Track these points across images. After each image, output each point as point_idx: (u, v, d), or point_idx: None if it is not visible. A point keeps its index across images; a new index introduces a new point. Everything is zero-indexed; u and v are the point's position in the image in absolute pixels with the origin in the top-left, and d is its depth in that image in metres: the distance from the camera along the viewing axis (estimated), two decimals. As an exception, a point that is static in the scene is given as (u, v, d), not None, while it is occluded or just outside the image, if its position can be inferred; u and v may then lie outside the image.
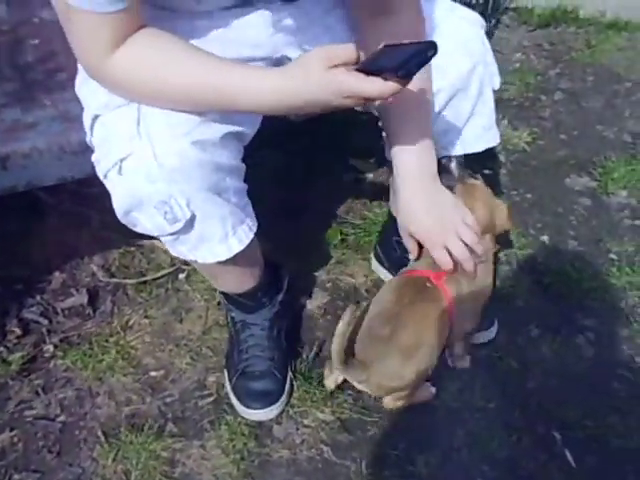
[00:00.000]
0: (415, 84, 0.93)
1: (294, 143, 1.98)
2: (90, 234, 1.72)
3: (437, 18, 1.22)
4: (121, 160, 1.00)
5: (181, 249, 1.15)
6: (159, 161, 0.99)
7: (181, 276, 1.67)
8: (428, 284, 1.24)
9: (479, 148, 1.34)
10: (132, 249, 1.72)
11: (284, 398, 1.38)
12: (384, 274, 1.66)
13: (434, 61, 0.90)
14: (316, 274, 1.70)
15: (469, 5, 2.75)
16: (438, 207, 1.19)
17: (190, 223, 1.08)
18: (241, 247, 1.18)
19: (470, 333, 1.39)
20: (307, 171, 1.96)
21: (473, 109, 1.28)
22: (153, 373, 1.46)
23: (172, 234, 1.09)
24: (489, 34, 2.79)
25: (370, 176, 2.01)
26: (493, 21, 2.85)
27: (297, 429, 1.34)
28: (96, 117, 1.04)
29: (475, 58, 1.23)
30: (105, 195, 1.05)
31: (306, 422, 1.35)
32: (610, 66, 2.45)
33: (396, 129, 1.18)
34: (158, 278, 1.66)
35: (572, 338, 1.52)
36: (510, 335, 1.52)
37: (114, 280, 1.64)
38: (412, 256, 1.29)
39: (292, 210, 1.84)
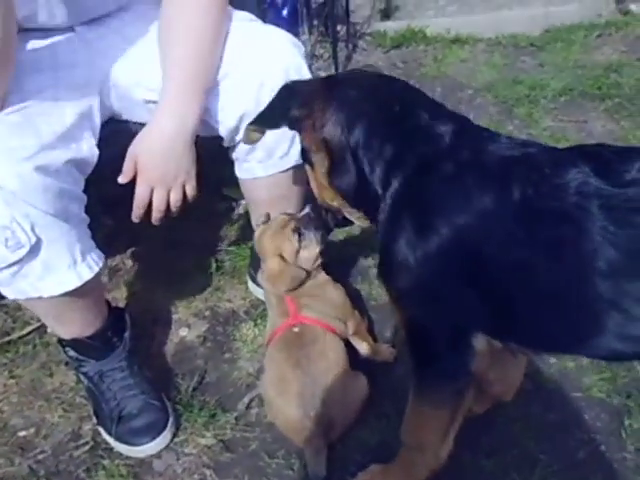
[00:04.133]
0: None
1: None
2: (-54, 301, 1.63)
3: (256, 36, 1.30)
4: None
5: (22, 285, 1.10)
6: (0, 184, 0.97)
7: (49, 329, 1.60)
8: (294, 329, 1.33)
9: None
10: (-6, 310, 1.64)
11: (172, 420, 1.34)
12: (260, 293, 1.67)
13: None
14: (194, 304, 1.69)
15: (327, 33, 2.93)
16: (174, 154, 1.20)
17: (35, 249, 1.05)
18: (91, 275, 1.16)
19: (358, 334, 1.43)
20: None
21: None
22: (22, 433, 1.37)
23: (14, 264, 1.05)
24: (348, 58, 2.97)
25: (242, 202, 2.04)
26: (351, 46, 3.03)
27: (178, 459, 1.30)
28: None
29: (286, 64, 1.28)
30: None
31: (187, 450, 1.31)
32: (454, 77, 2.65)
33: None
34: (24, 336, 1.59)
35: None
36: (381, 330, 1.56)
37: (-25, 345, 1.55)
38: (121, 179, 1.22)
39: (167, 244, 1.83)
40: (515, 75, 2.62)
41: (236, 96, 1.25)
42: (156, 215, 1.24)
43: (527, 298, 0.90)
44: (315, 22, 2.94)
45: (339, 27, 3.00)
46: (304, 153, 1.13)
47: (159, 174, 1.20)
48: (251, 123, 1.09)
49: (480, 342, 0.96)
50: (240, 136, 1.27)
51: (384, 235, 1.00)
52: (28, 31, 1.19)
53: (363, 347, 1.43)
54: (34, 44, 1.20)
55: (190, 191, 1.26)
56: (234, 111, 1.25)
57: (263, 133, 1.12)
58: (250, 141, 1.13)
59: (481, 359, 0.97)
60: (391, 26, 3.26)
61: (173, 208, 1.25)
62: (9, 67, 1.01)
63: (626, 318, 0.85)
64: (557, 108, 2.38)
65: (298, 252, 1.37)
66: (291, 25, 2.72)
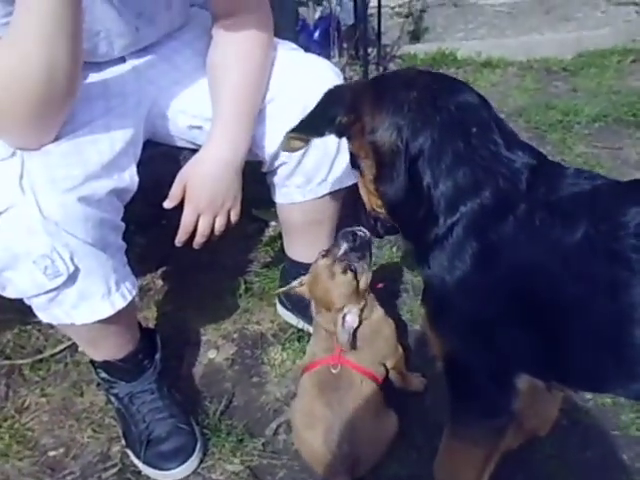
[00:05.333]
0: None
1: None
2: (-19, 318, 1.65)
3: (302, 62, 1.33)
4: None
5: (57, 312, 1.12)
6: (44, 214, 1.00)
7: (81, 348, 1.61)
8: (333, 369, 1.28)
9: (349, 182, 1.39)
10: (28, 327, 1.66)
11: (199, 445, 1.33)
12: (289, 316, 1.67)
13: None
14: (223, 326, 1.69)
15: (357, 56, 2.95)
16: (225, 181, 1.23)
17: (72, 278, 1.06)
18: (124, 304, 1.17)
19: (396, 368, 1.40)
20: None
21: (339, 146, 1.34)
22: (52, 452, 1.38)
23: (50, 291, 1.06)
24: (378, 82, 2.98)
25: (273, 224, 2.04)
26: (382, 68, 3.04)
27: (205, 485, 1.29)
28: None
29: None
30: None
31: (214, 476, 1.30)
32: (485, 100, 2.64)
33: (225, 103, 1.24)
34: (56, 354, 1.60)
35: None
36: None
37: (8, 362, 1.57)
38: (168, 204, 1.25)
39: (197, 264, 1.84)
40: (547, 100, 2.59)
41: (279, 121, 1.26)
42: (199, 240, 1.25)
43: (576, 338, 0.87)
44: (345, 45, 2.97)
45: (369, 49, 3.02)
46: (353, 158, 1.05)
47: (208, 201, 1.22)
48: (292, 130, 1.02)
49: (523, 382, 0.94)
50: (265, 168, 1.28)
51: (439, 266, 0.93)
52: (84, 64, 1.21)
53: (396, 378, 1.40)
54: (87, 76, 1.21)
55: (234, 217, 1.28)
56: (277, 136, 1.26)
57: (307, 142, 1.06)
58: (290, 149, 1.06)
59: (524, 399, 0.94)
60: (421, 48, 3.27)
61: (217, 232, 1.26)
62: (72, 101, 1.03)
63: None
64: (591, 134, 2.35)
65: (358, 287, 1.31)
66: (322, 48, 2.75)
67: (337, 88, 1.02)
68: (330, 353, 1.31)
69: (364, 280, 1.32)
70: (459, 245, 0.89)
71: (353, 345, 1.29)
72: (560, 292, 0.85)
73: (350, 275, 1.29)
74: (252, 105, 1.25)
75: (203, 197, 1.22)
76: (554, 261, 0.85)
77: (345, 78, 2.88)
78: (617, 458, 1.28)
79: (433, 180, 0.90)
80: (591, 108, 2.46)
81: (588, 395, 1.38)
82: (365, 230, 1.31)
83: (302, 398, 1.31)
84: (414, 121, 0.91)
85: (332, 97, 1.00)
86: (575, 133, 2.35)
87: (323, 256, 1.33)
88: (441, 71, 3.00)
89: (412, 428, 1.35)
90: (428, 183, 0.90)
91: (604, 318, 0.84)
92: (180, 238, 1.25)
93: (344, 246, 1.31)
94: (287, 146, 1.06)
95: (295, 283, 1.41)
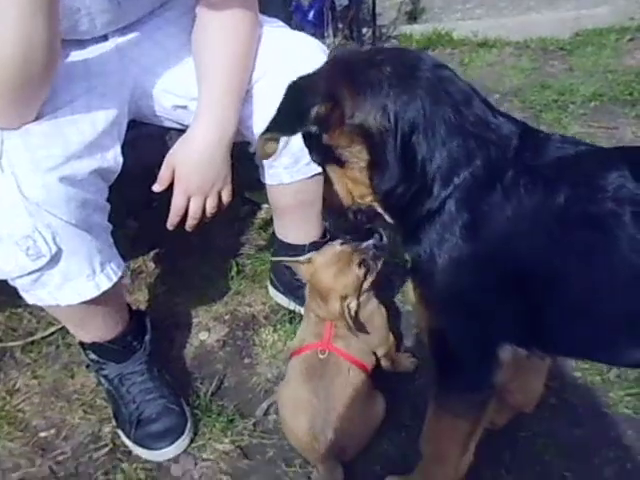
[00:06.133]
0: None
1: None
2: (-28, 301, 1.65)
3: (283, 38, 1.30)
4: None
5: (41, 293, 1.12)
6: (24, 194, 0.98)
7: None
8: (321, 355, 1.27)
9: None
10: (19, 310, 1.66)
11: (190, 425, 1.34)
12: (280, 298, 1.67)
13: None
14: (214, 308, 1.69)
15: (352, 37, 2.93)
16: (214, 162, 1.21)
17: (55, 259, 1.05)
18: (109, 285, 1.17)
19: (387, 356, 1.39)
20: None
21: None
22: (43, 434, 1.38)
23: (33, 272, 1.06)
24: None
25: (265, 206, 2.04)
26: (376, 51, 3.01)
27: (195, 464, 1.29)
28: None
29: None
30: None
31: (205, 456, 1.31)
32: (481, 81, 2.61)
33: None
34: (48, 336, 1.60)
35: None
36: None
37: (-1, 344, 1.58)
38: (157, 187, 1.23)
39: (189, 247, 1.83)
40: (543, 80, 2.57)
41: (265, 102, 1.25)
42: (191, 222, 1.25)
43: (558, 304, 0.87)
44: (340, 25, 2.94)
45: (364, 30, 3.00)
46: (327, 154, 0.97)
47: (198, 183, 1.21)
48: (265, 132, 0.95)
49: (506, 353, 0.93)
50: (253, 149, 1.26)
51: (427, 237, 0.90)
52: (64, 42, 1.20)
53: (386, 364, 1.40)
54: (69, 54, 1.20)
55: (226, 197, 1.26)
56: (263, 117, 1.25)
57: (278, 142, 1.00)
58: (265, 154, 0.99)
59: (505, 370, 0.94)
60: (417, 29, 3.24)
61: (208, 214, 1.25)
62: (50, 80, 1.02)
63: None
64: (586, 114, 2.33)
65: (362, 285, 1.30)
66: (316, 28, 2.73)
67: (301, 79, 0.95)
68: (319, 339, 1.31)
69: (370, 280, 1.31)
70: (450, 218, 0.88)
71: (361, 329, 1.29)
72: (542, 258, 0.85)
73: (363, 270, 1.28)
74: (239, 83, 1.23)
75: (192, 179, 1.21)
76: (537, 227, 0.84)
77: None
78: (606, 436, 1.29)
79: (429, 153, 0.87)
80: (587, 87, 2.44)
81: (577, 373, 1.39)
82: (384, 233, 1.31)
83: (288, 383, 1.31)
84: (399, 96, 0.87)
85: (300, 89, 0.94)
86: (570, 113, 2.33)
87: (342, 243, 1.32)
88: (437, 52, 2.98)
89: (401, 407, 1.35)
90: (423, 157, 0.87)
91: (583, 285, 0.84)
92: (171, 221, 1.24)
93: (370, 241, 1.31)
94: (262, 150, 0.99)
95: (302, 259, 1.37)
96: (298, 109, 0.92)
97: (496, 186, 0.85)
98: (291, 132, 0.98)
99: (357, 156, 0.92)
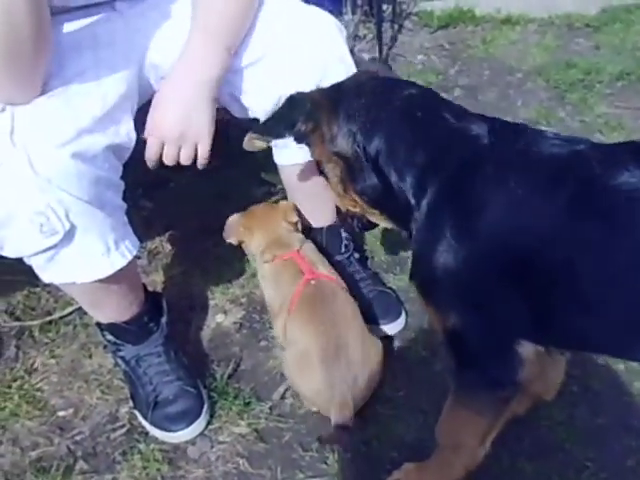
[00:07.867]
0: None
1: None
2: (-10, 280, 1.66)
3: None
4: None
5: (56, 271, 1.11)
6: (36, 170, 0.97)
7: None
8: (312, 282, 1.37)
9: None
10: (37, 289, 1.67)
11: (206, 408, 1.34)
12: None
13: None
14: (231, 290, 1.68)
15: (371, 13, 2.85)
16: (194, 107, 1.15)
17: (69, 236, 1.04)
18: (124, 262, 1.15)
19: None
20: (219, 189, 1.96)
21: None
22: (61, 413, 1.39)
23: (48, 250, 1.05)
24: (393, 39, 2.89)
25: (280, 187, 2.01)
26: (396, 26, 2.94)
27: (212, 447, 1.29)
28: None
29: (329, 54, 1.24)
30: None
31: (221, 438, 1.31)
32: (503, 59, 2.54)
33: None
34: (65, 316, 1.61)
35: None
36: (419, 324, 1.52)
37: (18, 323, 1.58)
38: (145, 134, 1.19)
39: (205, 228, 1.82)
40: (568, 58, 2.49)
41: (273, 78, 1.22)
42: (169, 164, 1.20)
43: (572, 302, 0.85)
44: (359, 1, 2.87)
45: (384, 6, 2.92)
46: (317, 164, 1.12)
47: (171, 125, 1.15)
48: (254, 131, 1.06)
49: (527, 349, 0.91)
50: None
51: (420, 244, 0.96)
52: (67, 11, 1.17)
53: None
54: (74, 25, 1.17)
55: (202, 151, 1.19)
56: (271, 94, 1.22)
57: (268, 142, 1.10)
58: (251, 148, 1.10)
59: (529, 367, 0.92)
60: (438, 5, 3.15)
61: (184, 164, 1.20)
62: (44, 49, 0.99)
63: None
64: (613, 94, 2.26)
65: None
66: (334, 4, 2.66)
67: (298, 95, 1.05)
68: (300, 277, 1.38)
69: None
70: (437, 222, 0.93)
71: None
72: (549, 255, 0.84)
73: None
74: (227, 33, 1.17)
75: (167, 121, 1.15)
76: (539, 223, 0.84)
77: (358, 36, 2.83)
78: (628, 425, 1.26)
79: (397, 174, 0.97)
80: (614, 66, 2.36)
81: (600, 361, 1.36)
82: None
83: (294, 340, 1.34)
84: (364, 124, 0.98)
85: (293, 104, 1.04)
86: (596, 92, 2.26)
87: None
88: (458, 29, 2.91)
89: (419, 393, 1.34)
90: (394, 177, 0.97)
91: (594, 280, 0.83)
92: (148, 164, 1.20)
93: None
94: (248, 145, 1.09)
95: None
96: (286, 119, 1.03)
97: (476, 182, 0.89)
98: (276, 136, 1.08)
99: (333, 171, 1.06)
